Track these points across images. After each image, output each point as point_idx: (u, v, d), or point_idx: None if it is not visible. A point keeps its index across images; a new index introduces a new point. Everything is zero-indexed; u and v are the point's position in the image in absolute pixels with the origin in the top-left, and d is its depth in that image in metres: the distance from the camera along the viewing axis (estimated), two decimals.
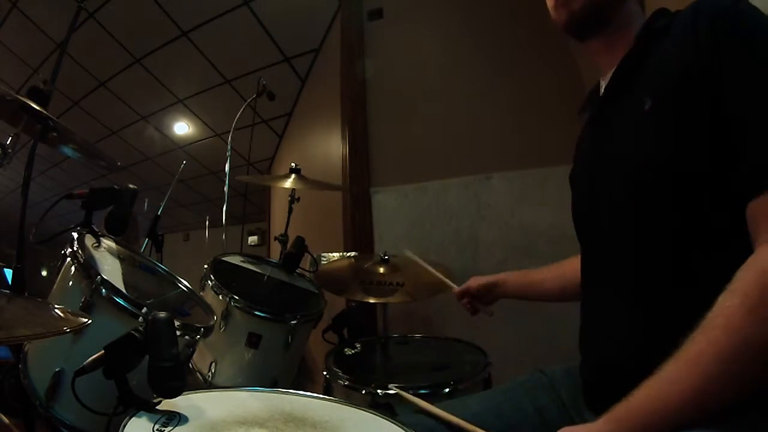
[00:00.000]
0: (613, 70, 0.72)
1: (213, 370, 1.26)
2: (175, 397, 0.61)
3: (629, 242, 0.66)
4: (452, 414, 0.72)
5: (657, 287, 0.62)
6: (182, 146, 4.67)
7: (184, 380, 0.61)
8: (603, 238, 0.73)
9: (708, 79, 0.57)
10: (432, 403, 0.82)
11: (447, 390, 1.01)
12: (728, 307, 0.48)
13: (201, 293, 1.30)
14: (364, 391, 1.03)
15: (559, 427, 0.53)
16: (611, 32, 0.74)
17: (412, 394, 0.99)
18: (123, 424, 0.55)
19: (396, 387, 0.91)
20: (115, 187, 1.21)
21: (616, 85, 0.72)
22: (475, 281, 1.14)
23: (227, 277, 1.39)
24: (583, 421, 0.71)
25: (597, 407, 0.53)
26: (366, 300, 1.54)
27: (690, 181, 0.58)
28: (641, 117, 0.64)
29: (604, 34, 0.75)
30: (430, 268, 1.30)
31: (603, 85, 0.78)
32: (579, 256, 0.88)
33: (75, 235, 1.02)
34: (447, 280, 1.24)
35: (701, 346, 0.48)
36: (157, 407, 0.60)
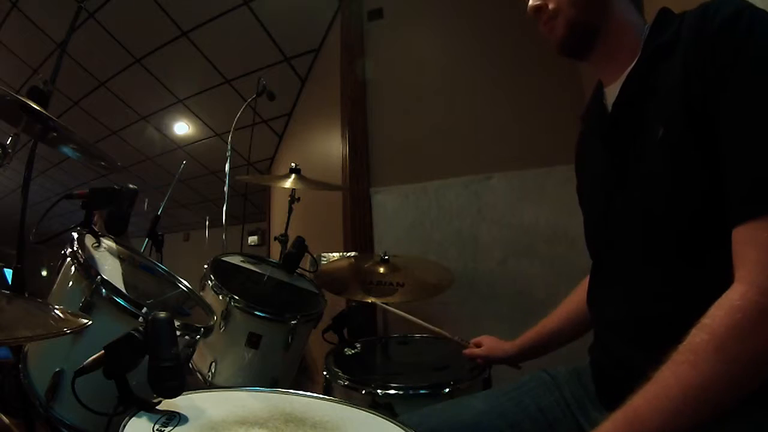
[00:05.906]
0: (621, 84, 0.69)
1: (213, 370, 1.26)
2: (175, 397, 0.61)
3: (642, 276, 0.65)
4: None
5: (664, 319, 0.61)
6: (182, 146, 4.67)
7: (184, 380, 0.61)
8: (615, 265, 0.72)
9: (713, 108, 0.55)
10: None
11: (447, 390, 1.01)
12: (697, 343, 0.49)
13: (201, 293, 1.30)
14: (364, 391, 1.03)
15: (563, 427, 0.54)
16: (606, 42, 0.72)
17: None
18: (123, 424, 0.55)
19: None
20: (115, 187, 1.21)
21: (625, 105, 0.68)
22: (494, 348, 1.09)
23: (227, 277, 1.39)
24: (589, 421, 0.72)
25: (610, 406, 0.53)
26: (366, 300, 1.54)
27: (704, 213, 0.57)
28: (655, 146, 0.61)
29: (600, 47, 0.73)
30: (435, 328, 1.24)
31: (608, 95, 0.75)
32: (570, 297, 0.97)
33: (75, 235, 1.02)
34: (454, 337, 1.20)
35: (669, 380, 0.49)
36: (157, 407, 0.60)
